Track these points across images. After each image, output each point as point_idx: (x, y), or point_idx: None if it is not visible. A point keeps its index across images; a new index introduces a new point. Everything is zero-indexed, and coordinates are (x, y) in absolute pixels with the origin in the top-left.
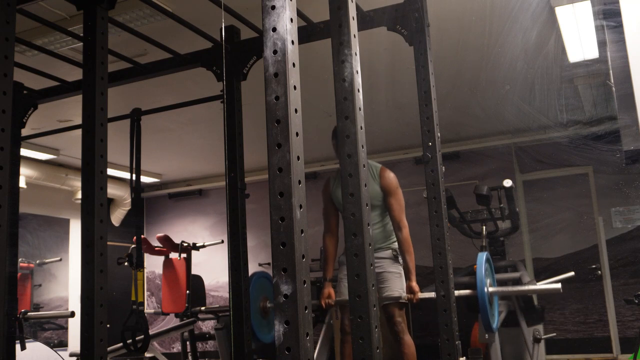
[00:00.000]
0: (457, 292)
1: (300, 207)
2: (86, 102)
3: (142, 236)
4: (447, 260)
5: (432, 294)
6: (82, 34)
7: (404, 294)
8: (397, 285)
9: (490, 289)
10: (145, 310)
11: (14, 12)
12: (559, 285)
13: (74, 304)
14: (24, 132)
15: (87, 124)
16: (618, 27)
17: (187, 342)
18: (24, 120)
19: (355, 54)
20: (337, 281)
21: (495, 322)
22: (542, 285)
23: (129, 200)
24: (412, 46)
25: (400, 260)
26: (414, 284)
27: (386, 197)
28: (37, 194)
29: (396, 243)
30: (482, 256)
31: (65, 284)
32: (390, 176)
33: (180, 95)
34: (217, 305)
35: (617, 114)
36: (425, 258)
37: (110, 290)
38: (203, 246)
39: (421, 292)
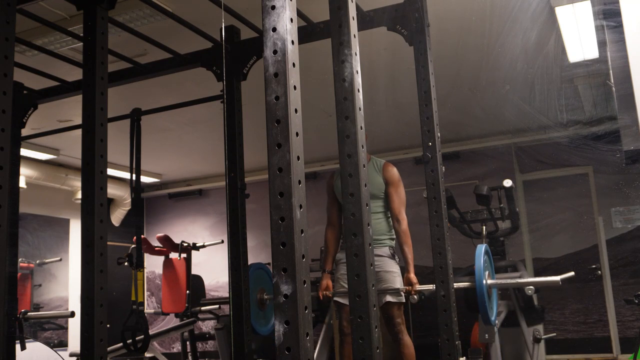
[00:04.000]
0: (455, 284)
1: (300, 207)
2: (86, 102)
3: (142, 236)
4: (447, 260)
5: (431, 287)
6: (82, 34)
7: (402, 287)
8: (395, 284)
9: (489, 281)
10: (145, 310)
11: (14, 12)
12: (557, 278)
13: (74, 304)
14: (24, 132)
15: (87, 124)
16: (618, 27)
17: (187, 342)
18: (24, 120)
19: (355, 54)
20: (334, 280)
21: (494, 315)
22: (540, 277)
23: (129, 200)
24: (412, 46)
25: (397, 259)
26: (412, 275)
27: (387, 188)
28: (37, 194)
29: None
30: (481, 248)
31: (65, 284)
32: (394, 170)
33: (180, 95)
34: (217, 306)
35: (617, 114)
36: (425, 258)
37: (110, 290)
38: (203, 246)
39: (422, 292)
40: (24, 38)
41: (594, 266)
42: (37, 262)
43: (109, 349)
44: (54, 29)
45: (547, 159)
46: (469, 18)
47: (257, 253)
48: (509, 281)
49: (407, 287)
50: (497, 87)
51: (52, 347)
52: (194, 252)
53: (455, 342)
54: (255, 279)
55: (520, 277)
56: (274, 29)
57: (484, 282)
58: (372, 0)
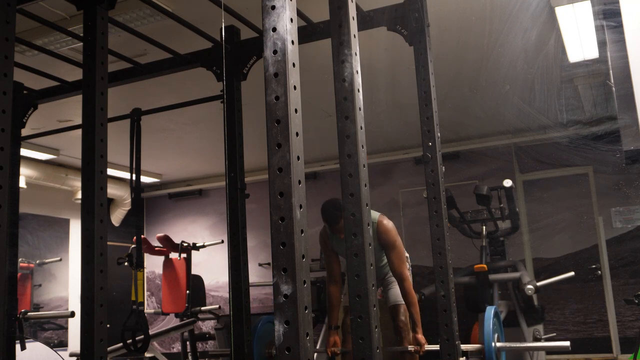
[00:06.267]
0: (463, 346)
1: (300, 207)
2: (86, 102)
3: (142, 236)
4: (447, 260)
5: (437, 347)
6: (82, 34)
7: (412, 347)
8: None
9: (498, 344)
10: (145, 310)
11: (14, 12)
12: (567, 343)
13: (74, 304)
14: (24, 132)
15: (87, 124)
16: (618, 27)
17: (187, 342)
18: (24, 120)
19: (355, 54)
20: (344, 329)
21: None
22: (551, 342)
23: (129, 200)
24: (412, 46)
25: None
26: (420, 336)
27: (386, 251)
28: (37, 194)
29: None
30: (491, 310)
31: (65, 284)
32: (389, 228)
33: (180, 95)
34: (217, 306)
35: (617, 114)
36: (425, 258)
37: (110, 290)
38: (203, 246)
39: (421, 292)
40: (24, 38)
41: (594, 266)
42: (37, 262)
43: (109, 349)
44: (54, 29)
45: (547, 159)
46: (469, 18)
47: (257, 253)
48: (518, 345)
49: (416, 347)
50: (497, 87)
51: (52, 347)
52: (194, 252)
53: (455, 342)
54: (264, 332)
55: (520, 277)
56: (274, 29)
57: (493, 345)
58: (372, 0)
